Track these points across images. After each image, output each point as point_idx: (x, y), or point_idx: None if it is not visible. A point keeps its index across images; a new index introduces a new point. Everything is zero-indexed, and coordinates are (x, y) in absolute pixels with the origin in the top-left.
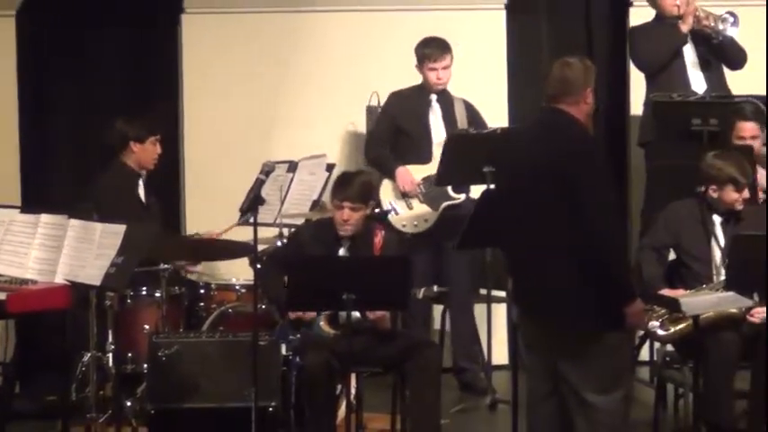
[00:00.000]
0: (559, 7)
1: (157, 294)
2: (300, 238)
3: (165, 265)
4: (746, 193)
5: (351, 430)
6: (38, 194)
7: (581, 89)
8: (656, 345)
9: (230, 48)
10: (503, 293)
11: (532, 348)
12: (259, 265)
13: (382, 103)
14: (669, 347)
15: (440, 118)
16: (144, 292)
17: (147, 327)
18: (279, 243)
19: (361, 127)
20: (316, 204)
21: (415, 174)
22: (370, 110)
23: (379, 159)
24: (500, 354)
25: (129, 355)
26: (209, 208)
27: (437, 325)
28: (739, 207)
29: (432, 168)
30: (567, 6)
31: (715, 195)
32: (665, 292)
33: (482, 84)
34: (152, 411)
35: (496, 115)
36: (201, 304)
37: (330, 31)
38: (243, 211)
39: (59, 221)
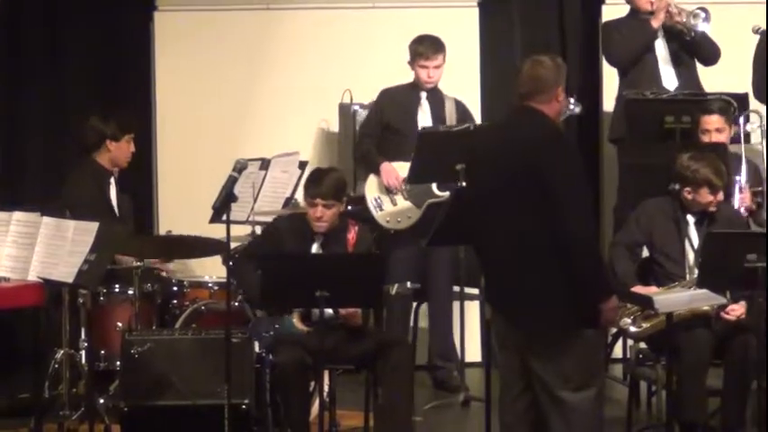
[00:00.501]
0: (532, 4)
1: (130, 292)
2: (274, 232)
3: (138, 263)
4: (721, 196)
5: (324, 427)
6: (10, 193)
7: (553, 87)
8: (630, 342)
9: (203, 45)
10: (476, 291)
11: (505, 346)
12: (232, 262)
13: (355, 101)
14: (642, 345)
15: (428, 116)
16: (117, 290)
17: (119, 324)
18: (251, 240)
19: (334, 125)
20: (288, 202)
21: (401, 170)
22: (342, 107)
23: (367, 155)
24: (473, 351)
25: (102, 352)
26: (181, 206)
27: (422, 322)
28: (713, 209)
29: None
30: (541, 3)
31: (690, 197)
32: (638, 289)
33: (455, 81)
34: (125, 409)
35: (471, 112)
36: (174, 302)
37: (303, 29)
38: (215, 208)
39: (32, 219)
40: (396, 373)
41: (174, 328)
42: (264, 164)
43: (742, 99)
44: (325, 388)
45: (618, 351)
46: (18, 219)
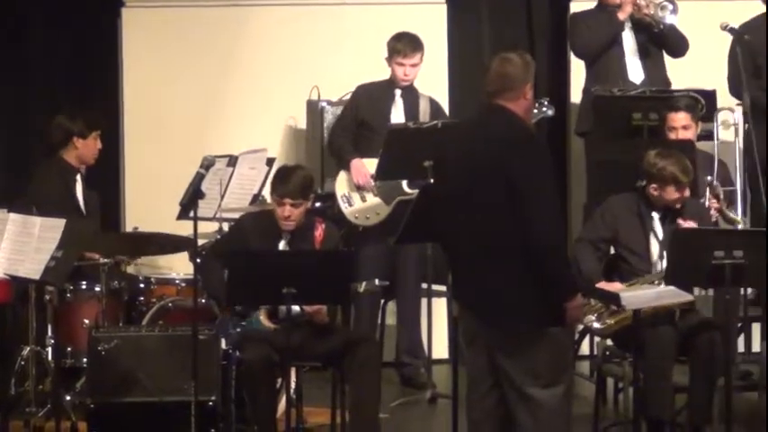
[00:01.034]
0: (501, 1)
1: (97, 288)
2: (241, 229)
3: (105, 260)
4: (687, 192)
5: (291, 424)
6: None
7: (521, 85)
8: (596, 339)
9: (170, 42)
10: (443, 288)
11: (473, 343)
12: (199, 259)
13: (323, 98)
14: (609, 342)
15: (402, 113)
16: (84, 287)
17: (86, 321)
18: (219, 236)
19: (302, 122)
20: (256, 198)
21: (373, 167)
22: (310, 104)
23: (339, 150)
24: (440, 348)
25: (69, 349)
26: (148, 202)
27: (390, 319)
28: (679, 206)
29: None
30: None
31: (656, 194)
32: (602, 285)
33: (423, 77)
34: (91, 406)
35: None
36: (141, 298)
37: (270, 25)
38: (183, 205)
39: None
40: (363, 370)
41: (141, 325)
42: (232, 160)
43: (710, 96)
44: (292, 385)
45: (585, 348)
46: None
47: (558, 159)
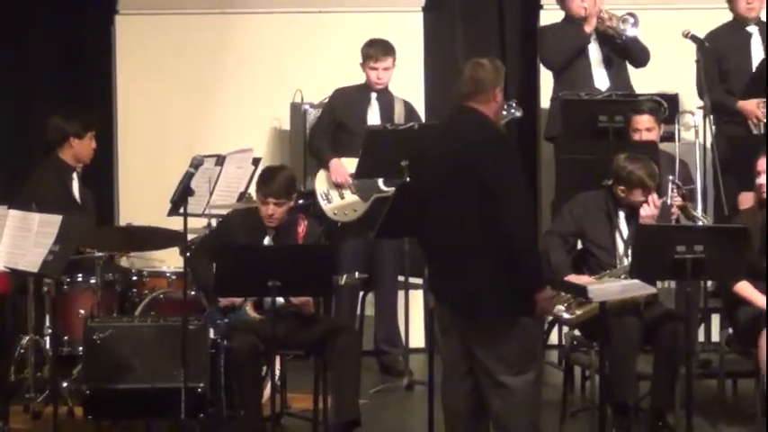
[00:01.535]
0: (473, 9)
1: (92, 281)
2: (229, 225)
3: (100, 253)
4: (653, 196)
5: (276, 409)
6: None
7: (491, 88)
8: (564, 329)
9: (162, 48)
10: (420, 281)
11: (448, 333)
12: (189, 253)
13: (306, 100)
14: (576, 332)
15: (378, 115)
16: (80, 279)
17: (82, 311)
18: (207, 232)
19: (286, 123)
20: (242, 196)
21: (351, 166)
22: (293, 107)
23: (318, 151)
24: (417, 337)
25: (66, 338)
26: (141, 199)
27: (368, 310)
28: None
29: None
30: (481, 8)
31: (623, 195)
32: (571, 278)
33: (400, 81)
34: (87, 392)
35: (418, 112)
36: (134, 290)
37: (256, 32)
38: (173, 202)
39: None
40: (343, 358)
41: (134, 316)
42: (220, 160)
43: (672, 99)
44: (277, 372)
45: (554, 338)
46: None
47: (529, 161)
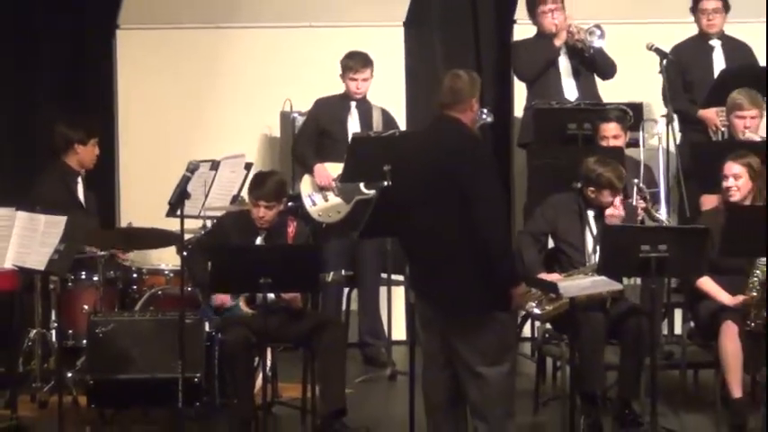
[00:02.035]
0: (451, 25)
1: (95, 278)
2: (223, 226)
3: (102, 252)
4: (620, 198)
5: (267, 398)
6: None
7: (468, 98)
8: (537, 323)
9: (160, 60)
10: (401, 278)
11: (427, 327)
12: (186, 252)
13: (295, 109)
14: (548, 326)
15: (357, 122)
16: (83, 276)
17: (86, 307)
18: (203, 233)
19: (276, 130)
20: (235, 199)
21: (334, 171)
22: (283, 115)
23: (302, 157)
24: (399, 330)
25: (70, 331)
26: (140, 202)
27: (353, 305)
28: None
29: None
30: (458, 23)
31: (592, 195)
32: (543, 275)
33: (383, 91)
34: (91, 382)
35: (396, 120)
36: (134, 287)
37: (248, 46)
38: (171, 204)
39: (8, 213)
40: (330, 350)
41: (134, 311)
42: (214, 165)
43: (637, 108)
44: (268, 363)
45: (527, 331)
46: None
47: (503, 166)
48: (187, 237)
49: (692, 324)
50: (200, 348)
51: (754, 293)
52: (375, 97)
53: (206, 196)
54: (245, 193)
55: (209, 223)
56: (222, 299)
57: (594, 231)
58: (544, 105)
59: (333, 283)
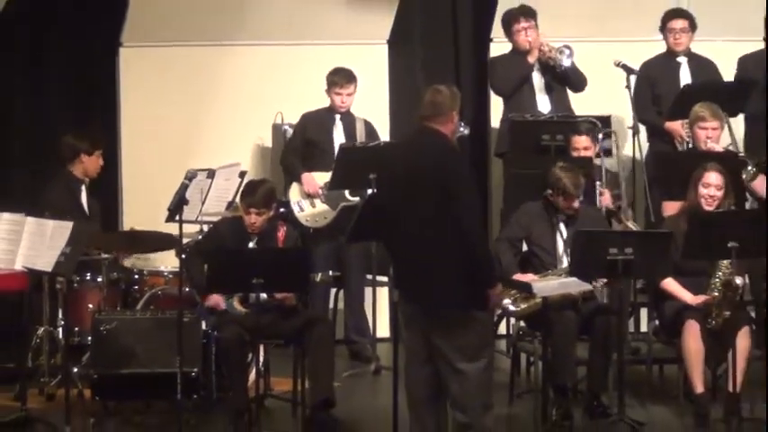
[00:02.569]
0: (432, 43)
1: (99, 279)
2: (218, 231)
3: (106, 255)
4: (576, 203)
5: (260, 391)
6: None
7: (449, 111)
8: (512, 321)
9: (160, 75)
10: (385, 279)
11: (410, 325)
12: (184, 255)
13: (286, 121)
14: (522, 323)
15: (342, 134)
16: (88, 277)
17: (90, 306)
18: (199, 237)
19: (268, 141)
20: (230, 205)
21: (320, 179)
22: (275, 127)
23: (290, 167)
24: (383, 328)
25: (76, 329)
26: (142, 208)
27: (335, 303)
28: (570, 212)
29: None
30: (439, 42)
31: (552, 199)
32: (518, 276)
33: (368, 105)
34: (95, 376)
35: (379, 132)
36: (136, 287)
37: (243, 62)
38: (170, 210)
39: (18, 219)
40: (319, 346)
41: (136, 310)
42: (211, 173)
43: (605, 120)
44: (261, 359)
45: (503, 329)
46: (6, 219)
47: (481, 175)
48: (185, 240)
49: (656, 322)
50: (198, 345)
51: (716, 294)
52: (361, 110)
53: (203, 203)
54: (239, 200)
55: (205, 228)
56: (216, 301)
57: (564, 235)
58: (519, 118)
59: (321, 283)
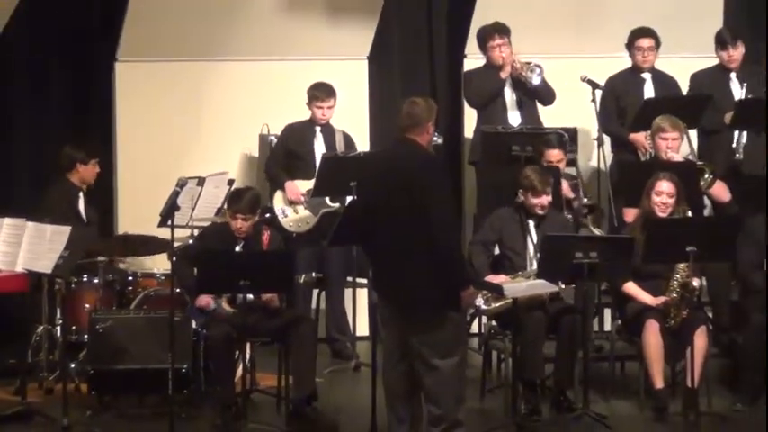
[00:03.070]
0: (410, 58)
1: (96, 280)
2: (207, 236)
3: (102, 258)
4: (544, 200)
5: (246, 386)
6: (1, 203)
7: (425, 122)
8: (484, 320)
9: (154, 89)
10: (365, 280)
11: (388, 324)
12: (175, 258)
13: (272, 132)
14: (493, 323)
15: (322, 144)
16: (85, 279)
17: (87, 305)
18: (190, 241)
19: (255, 151)
20: (219, 211)
21: (302, 187)
22: (261, 138)
23: (274, 176)
24: (362, 327)
25: (74, 327)
26: (136, 213)
27: (318, 304)
28: (540, 212)
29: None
30: (416, 57)
31: (522, 198)
32: (490, 278)
33: (348, 117)
34: (91, 371)
35: (360, 142)
36: (130, 288)
37: (233, 76)
38: (162, 215)
39: (19, 223)
40: (302, 344)
41: (130, 309)
42: (201, 181)
43: (572, 132)
44: (247, 355)
45: (475, 327)
46: (8, 223)
47: (455, 181)
48: (176, 244)
49: (619, 322)
50: (188, 342)
51: (674, 295)
52: (342, 122)
53: (193, 209)
54: (226, 206)
55: (195, 232)
56: (206, 301)
57: (534, 239)
58: (491, 129)
59: (304, 284)
